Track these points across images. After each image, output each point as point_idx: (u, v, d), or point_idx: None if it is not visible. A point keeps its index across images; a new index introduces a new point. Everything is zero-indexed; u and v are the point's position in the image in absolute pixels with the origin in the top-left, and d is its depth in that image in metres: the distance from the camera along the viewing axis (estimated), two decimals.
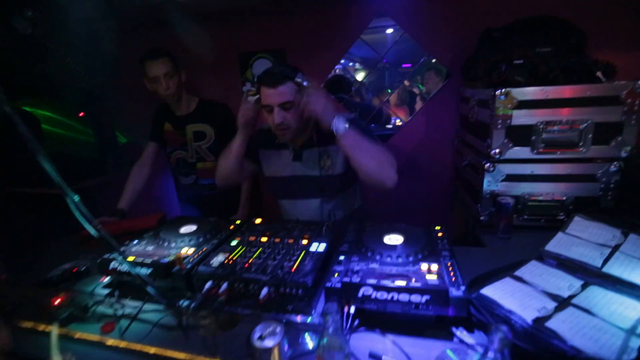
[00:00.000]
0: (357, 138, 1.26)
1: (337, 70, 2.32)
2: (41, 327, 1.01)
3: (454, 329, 0.86)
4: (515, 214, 1.45)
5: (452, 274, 0.94)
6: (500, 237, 1.38)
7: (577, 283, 0.98)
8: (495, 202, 1.41)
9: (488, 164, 1.42)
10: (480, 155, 1.53)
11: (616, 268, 1.01)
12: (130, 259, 1.14)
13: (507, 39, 1.64)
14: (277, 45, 2.26)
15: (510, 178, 1.43)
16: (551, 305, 0.88)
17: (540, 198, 1.42)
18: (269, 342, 0.64)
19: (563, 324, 0.81)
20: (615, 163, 1.31)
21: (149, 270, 1.09)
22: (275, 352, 0.65)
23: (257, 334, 0.67)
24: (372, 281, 0.91)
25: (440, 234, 1.19)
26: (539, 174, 1.39)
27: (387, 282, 0.89)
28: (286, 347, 0.67)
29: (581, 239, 1.16)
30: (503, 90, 1.32)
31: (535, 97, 1.31)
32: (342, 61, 2.28)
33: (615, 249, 1.08)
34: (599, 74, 1.30)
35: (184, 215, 2.01)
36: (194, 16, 2.00)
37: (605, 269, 1.01)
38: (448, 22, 1.97)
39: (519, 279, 1.01)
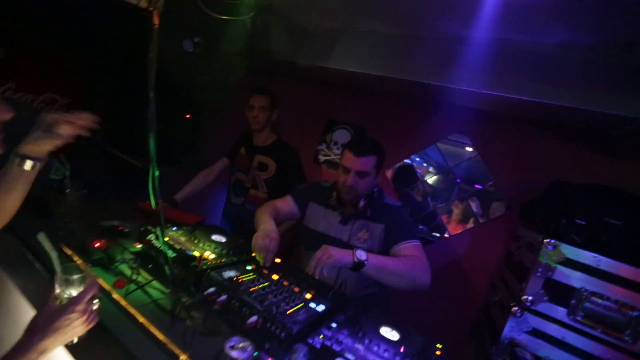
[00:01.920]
0: (380, 265, 1.31)
1: (410, 163, 2.46)
2: (76, 258, 1.18)
3: None
4: None
5: None
6: None
7: None
8: (512, 352, 1.30)
9: (516, 307, 1.34)
10: (512, 296, 1.46)
11: None
12: (165, 238, 1.30)
13: (576, 197, 1.64)
14: (359, 121, 2.54)
15: (537, 334, 1.32)
16: None
17: None
18: (238, 354, 0.70)
19: None
20: None
21: (174, 254, 1.22)
22: None
23: (230, 343, 0.72)
24: (350, 356, 0.91)
25: (438, 352, 1.13)
26: (572, 345, 1.27)
27: None
28: None
29: None
30: (554, 241, 1.31)
31: (585, 261, 1.26)
32: (417, 159, 2.43)
33: None
34: None
35: (220, 227, 2.18)
36: (300, 79, 2.41)
37: None
38: (521, 161, 2.04)
39: None
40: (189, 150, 2.83)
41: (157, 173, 1.16)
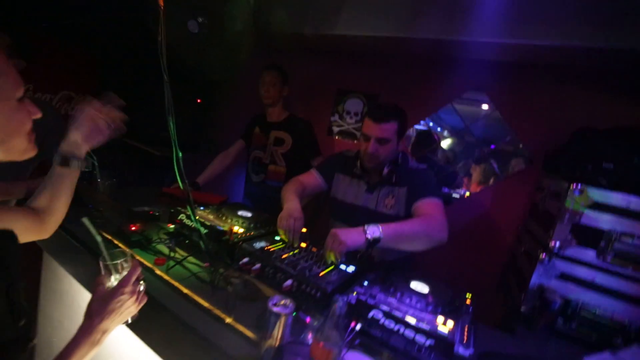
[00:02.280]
0: (395, 234, 1.26)
1: (427, 125, 2.43)
2: (116, 241, 1.26)
3: None
4: (563, 317, 1.33)
5: (465, 335, 0.93)
6: (537, 334, 1.28)
7: None
8: (542, 296, 1.33)
9: (544, 254, 1.35)
10: (539, 244, 1.46)
11: None
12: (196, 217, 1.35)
13: (602, 142, 1.59)
14: (372, 89, 2.50)
15: (566, 278, 1.34)
16: None
17: (597, 312, 1.29)
18: (281, 310, 0.74)
19: None
20: None
21: (206, 231, 1.28)
22: (282, 319, 0.74)
23: (273, 301, 0.77)
24: (385, 307, 0.95)
25: (468, 301, 1.16)
26: (602, 285, 1.28)
27: (398, 313, 0.93)
28: (290, 321, 0.76)
29: None
30: (580, 186, 1.29)
31: (614, 202, 1.25)
32: (431, 124, 2.39)
33: None
34: None
35: (244, 204, 2.25)
36: (309, 49, 2.36)
37: None
38: (541, 111, 1.97)
39: None
40: (204, 134, 2.87)
41: (180, 154, 1.20)
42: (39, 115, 0.79)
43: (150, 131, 2.66)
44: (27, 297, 0.71)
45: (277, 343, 0.76)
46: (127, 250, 0.84)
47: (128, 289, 0.80)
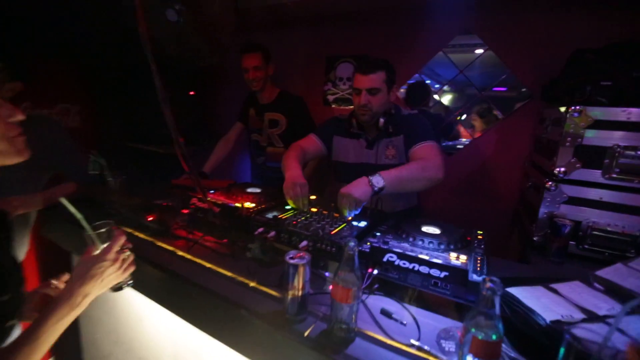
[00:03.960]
0: (395, 179, 1.34)
1: (420, 77, 2.39)
2: (137, 233, 1.32)
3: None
4: (574, 241, 1.36)
5: (478, 264, 0.97)
6: (551, 260, 1.32)
7: (618, 307, 0.91)
8: (551, 223, 1.35)
9: (550, 183, 1.37)
10: (544, 174, 1.47)
11: None
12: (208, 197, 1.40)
13: (598, 61, 1.56)
14: (360, 51, 2.45)
15: (574, 201, 1.35)
16: (579, 315, 0.86)
17: (608, 229, 1.31)
18: (298, 261, 0.79)
19: (585, 332, 0.79)
20: None
21: (219, 210, 1.33)
22: (301, 269, 0.79)
23: (290, 255, 0.82)
24: (397, 250, 1.00)
25: (480, 237, 1.20)
26: (609, 202, 1.29)
27: (410, 253, 0.97)
28: (309, 271, 0.81)
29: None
30: (577, 107, 1.28)
31: (614, 117, 1.24)
32: (423, 78, 2.35)
33: None
34: None
35: (251, 182, 2.30)
36: (292, 19, 2.31)
37: None
38: (535, 41, 1.92)
39: (553, 290, 0.98)
40: (202, 126, 2.89)
41: (180, 140, 1.23)
42: (19, 118, 0.76)
43: (151, 131, 2.70)
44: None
45: (300, 293, 0.81)
46: (110, 222, 0.88)
47: (110, 256, 0.84)
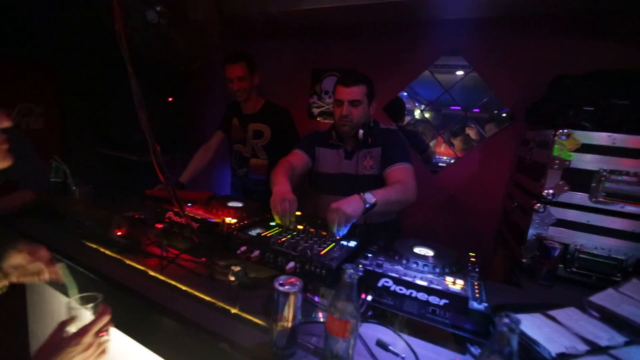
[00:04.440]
0: (385, 199, 1.36)
1: (405, 95, 2.41)
2: (102, 249, 1.18)
3: (470, 346, 0.84)
4: (562, 263, 1.35)
5: (476, 290, 0.92)
6: (541, 283, 1.30)
7: (620, 339, 0.89)
8: (540, 245, 1.34)
9: (538, 205, 1.37)
10: (532, 196, 1.48)
11: None
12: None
13: (580, 87, 1.61)
14: (347, 65, 2.44)
15: (562, 224, 1.35)
16: (583, 347, 0.82)
17: (595, 252, 1.32)
18: (290, 289, 0.71)
19: None
20: None
21: (197, 225, 1.22)
22: (292, 298, 0.70)
23: (279, 282, 0.73)
24: (393, 274, 0.93)
25: (472, 259, 1.16)
26: (596, 225, 1.30)
27: (408, 278, 0.91)
28: (300, 299, 0.73)
29: (635, 299, 1.05)
30: (566, 130, 1.30)
31: (600, 142, 1.26)
32: (405, 95, 2.37)
33: None
34: None
35: (231, 195, 2.18)
36: (279, 30, 2.27)
37: None
38: (518, 65, 1.98)
39: (551, 318, 0.95)
40: (179, 133, 2.75)
41: (157, 148, 1.12)
42: (7, 124, 0.71)
43: (124, 137, 2.53)
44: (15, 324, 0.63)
45: (290, 324, 0.72)
46: (99, 295, 0.74)
47: (86, 339, 0.69)
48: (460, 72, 2.23)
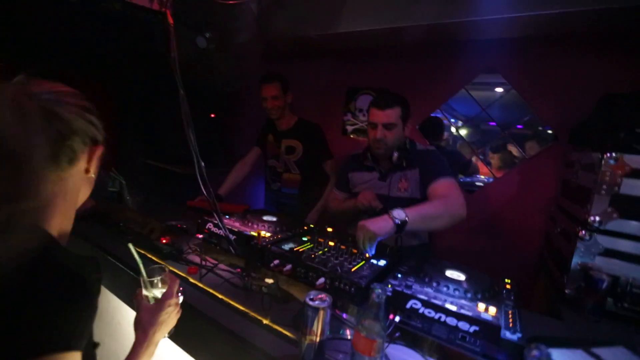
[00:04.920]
0: (419, 215, 1.30)
1: (442, 113, 2.39)
2: (150, 255, 1.29)
3: None
4: (612, 297, 1.25)
5: (510, 319, 0.89)
6: (586, 317, 1.21)
7: None
8: (586, 276, 1.26)
9: (583, 232, 1.29)
10: (576, 222, 1.39)
11: None
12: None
13: (631, 106, 1.51)
14: (381, 84, 2.48)
15: (611, 254, 1.26)
16: None
17: None
18: (319, 304, 0.74)
19: None
20: None
21: (234, 237, 1.30)
22: (321, 313, 0.73)
23: (310, 296, 0.77)
24: (422, 296, 0.93)
25: (508, 286, 1.12)
26: None
27: (437, 301, 0.90)
28: (329, 315, 0.75)
29: None
30: (614, 154, 1.23)
31: None
32: (441, 114, 2.35)
33: None
34: None
35: (266, 209, 2.27)
36: (315, 51, 2.38)
37: None
38: (560, 83, 1.90)
39: (595, 356, 0.89)
40: (219, 147, 2.92)
41: (202, 164, 1.23)
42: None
43: (170, 150, 2.74)
44: None
45: (318, 339, 0.75)
46: (164, 264, 0.87)
47: (173, 300, 0.84)
48: (499, 89, 2.18)
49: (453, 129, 2.38)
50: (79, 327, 0.54)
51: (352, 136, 2.68)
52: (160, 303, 0.82)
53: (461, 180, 2.32)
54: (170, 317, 0.83)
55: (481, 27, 1.61)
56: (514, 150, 2.19)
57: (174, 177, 2.75)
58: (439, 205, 1.40)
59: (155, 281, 0.85)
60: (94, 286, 0.60)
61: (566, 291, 1.33)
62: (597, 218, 1.26)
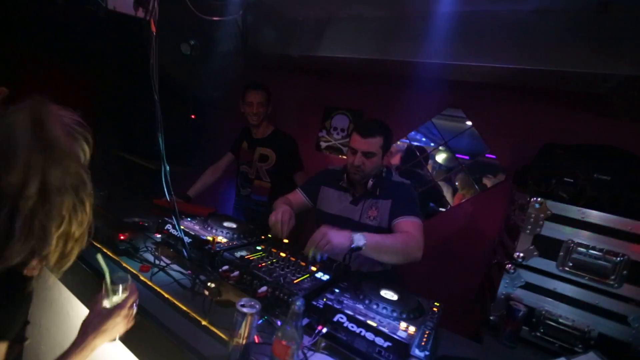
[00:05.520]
0: (377, 245, 1.37)
1: (409, 141, 2.54)
2: (105, 249, 1.34)
3: None
4: (528, 326, 1.40)
5: (424, 339, 1.00)
6: (503, 342, 1.34)
7: None
8: (507, 306, 1.39)
9: (509, 265, 1.43)
10: (507, 256, 1.54)
11: None
12: (181, 227, 1.43)
13: (567, 157, 1.69)
14: (357, 106, 2.62)
15: (531, 287, 1.41)
16: None
17: (560, 320, 1.36)
18: (248, 310, 0.82)
19: None
20: None
21: (189, 240, 1.36)
22: (249, 318, 0.82)
23: (241, 303, 0.85)
24: (348, 311, 1.02)
25: (435, 309, 1.24)
26: (562, 294, 1.35)
27: (360, 317, 1.00)
28: (257, 321, 0.84)
29: None
30: (539, 199, 1.38)
31: (571, 215, 1.34)
32: (423, 138, 2.51)
33: None
34: None
35: (231, 216, 2.33)
36: (297, 68, 2.49)
37: None
38: (514, 128, 2.09)
39: None
40: (196, 148, 2.97)
41: (167, 168, 1.30)
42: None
43: (145, 144, 2.76)
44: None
45: (244, 342, 0.83)
46: (129, 275, 0.93)
47: (124, 312, 0.89)
48: (469, 123, 2.33)
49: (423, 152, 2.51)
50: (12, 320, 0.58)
51: (325, 152, 2.79)
52: (111, 311, 0.87)
53: (430, 205, 2.45)
54: (117, 327, 0.88)
55: (443, 69, 1.77)
56: (488, 182, 2.34)
57: (147, 172, 2.77)
58: (400, 243, 1.45)
59: (117, 288, 0.90)
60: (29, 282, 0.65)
61: (491, 317, 1.47)
62: (521, 254, 1.41)
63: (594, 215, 1.31)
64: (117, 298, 0.90)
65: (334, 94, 2.72)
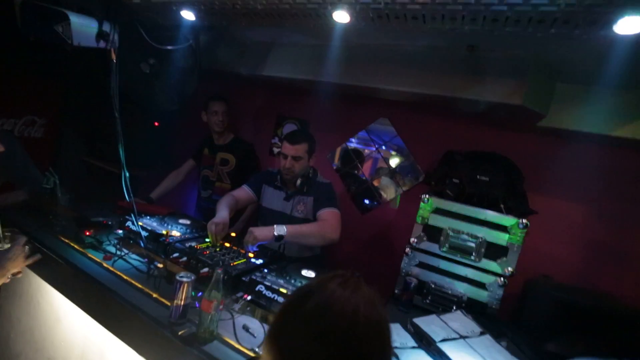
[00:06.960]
0: (296, 232, 1.76)
1: (347, 146, 2.91)
2: (72, 243, 1.60)
3: None
4: (420, 295, 1.80)
5: None
6: (399, 309, 1.73)
7: (411, 343, 1.33)
8: (403, 280, 1.79)
9: (408, 248, 1.83)
10: (408, 242, 1.95)
11: (448, 347, 1.33)
12: (140, 223, 1.72)
13: (462, 162, 2.12)
14: (304, 116, 2.96)
15: (423, 265, 1.81)
16: None
17: (442, 289, 1.77)
18: (184, 279, 1.14)
19: None
20: (500, 278, 1.65)
21: (146, 234, 1.65)
22: (185, 285, 1.13)
23: (180, 275, 1.16)
24: (267, 283, 1.37)
25: None
26: (444, 269, 1.77)
27: (275, 286, 1.35)
28: (191, 289, 1.16)
29: (445, 322, 1.49)
30: (427, 196, 1.79)
31: (446, 208, 1.76)
32: (355, 141, 2.89)
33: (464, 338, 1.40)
34: (502, 206, 1.72)
35: (187, 214, 2.60)
36: (251, 81, 2.81)
37: (440, 345, 1.34)
38: (427, 137, 2.51)
39: None
40: (160, 153, 3.20)
41: (127, 174, 1.58)
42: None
43: (110, 151, 2.96)
44: None
45: (182, 303, 1.15)
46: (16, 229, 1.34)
47: (13, 252, 1.28)
48: (390, 130, 2.72)
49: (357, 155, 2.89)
50: None
51: (277, 157, 3.11)
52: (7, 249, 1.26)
53: (367, 202, 2.84)
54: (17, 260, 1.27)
55: (364, 90, 2.15)
56: (396, 182, 2.75)
57: (112, 177, 2.97)
58: (315, 228, 1.84)
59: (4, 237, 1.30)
60: None
61: (395, 291, 1.86)
62: (415, 240, 1.81)
63: (462, 208, 1.73)
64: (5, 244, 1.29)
65: (286, 104, 3.05)
